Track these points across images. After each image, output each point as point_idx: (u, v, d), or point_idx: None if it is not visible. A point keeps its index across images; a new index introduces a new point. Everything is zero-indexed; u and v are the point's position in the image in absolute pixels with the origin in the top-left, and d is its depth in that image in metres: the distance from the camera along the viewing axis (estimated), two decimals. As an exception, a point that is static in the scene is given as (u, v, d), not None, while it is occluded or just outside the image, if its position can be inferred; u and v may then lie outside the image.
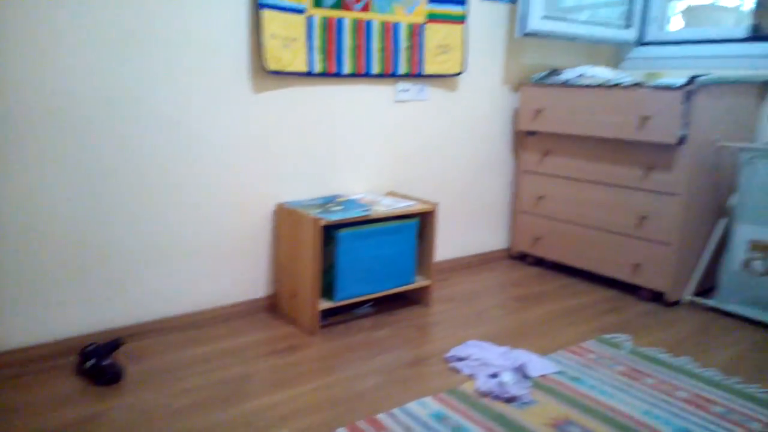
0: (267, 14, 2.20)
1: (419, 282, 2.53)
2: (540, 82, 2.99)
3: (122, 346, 2.08)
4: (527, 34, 2.87)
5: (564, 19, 3.00)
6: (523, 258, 3.26)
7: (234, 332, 2.26)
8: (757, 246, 2.46)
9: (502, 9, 2.97)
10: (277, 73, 2.28)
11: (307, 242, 2.21)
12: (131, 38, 1.99)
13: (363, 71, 2.52)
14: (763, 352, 2.21)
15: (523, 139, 3.14)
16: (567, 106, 2.86)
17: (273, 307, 2.49)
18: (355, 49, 2.47)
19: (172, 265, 2.22)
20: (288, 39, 2.27)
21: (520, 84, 3.09)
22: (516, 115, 3.14)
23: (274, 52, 2.24)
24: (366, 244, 2.30)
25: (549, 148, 3.02)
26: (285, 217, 2.35)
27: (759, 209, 2.45)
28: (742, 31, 2.95)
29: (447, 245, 3.06)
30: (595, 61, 3.38)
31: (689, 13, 3.30)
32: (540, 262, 3.20)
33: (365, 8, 2.46)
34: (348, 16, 2.41)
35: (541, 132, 3.03)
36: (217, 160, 2.25)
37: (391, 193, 2.71)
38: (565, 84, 2.88)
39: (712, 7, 3.26)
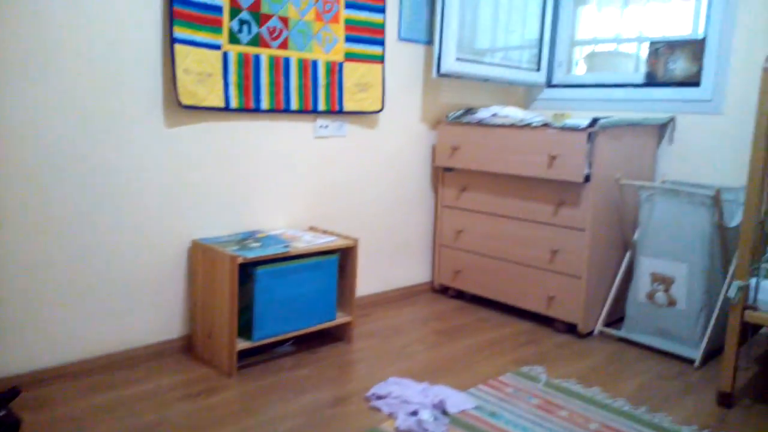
0: (180, 49, 2.16)
1: (340, 318, 2.51)
2: (456, 121, 3.09)
3: (20, 395, 1.92)
4: (442, 75, 2.97)
5: (477, 61, 3.13)
6: (445, 291, 3.31)
7: (146, 376, 2.15)
8: (657, 278, 2.62)
9: (419, 50, 3.07)
10: (192, 108, 2.24)
11: (224, 280, 2.15)
12: (32, 65, 1.90)
13: (282, 107, 2.51)
14: (667, 380, 2.34)
15: (441, 175, 3.22)
16: (481, 143, 2.96)
17: (188, 348, 2.38)
18: (274, 85, 2.46)
19: (76, 306, 2.09)
20: (203, 74, 2.23)
21: (437, 122, 3.18)
22: (434, 152, 3.22)
23: (188, 86, 2.20)
24: (285, 282, 2.26)
25: (466, 184, 3.11)
26: (200, 255, 2.28)
27: (658, 243, 2.62)
28: (639, 77, 3.18)
29: (370, 280, 3.06)
30: (508, 101, 3.54)
31: (592, 58, 3.53)
32: (461, 295, 3.25)
33: (283, 45, 2.47)
34: (265, 53, 2.41)
35: (458, 168, 3.12)
36: (127, 196, 2.16)
37: (313, 228, 2.69)
38: (480, 123, 2.99)
39: (613, 54, 3.50)
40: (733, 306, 2.13)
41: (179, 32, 2.16)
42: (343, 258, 2.54)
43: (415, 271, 3.28)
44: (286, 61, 2.49)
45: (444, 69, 2.96)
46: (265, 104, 2.45)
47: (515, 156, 2.84)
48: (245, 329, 2.25)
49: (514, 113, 3.05)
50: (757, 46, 2.71)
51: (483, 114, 3.06)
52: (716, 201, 2.44)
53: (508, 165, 2.87)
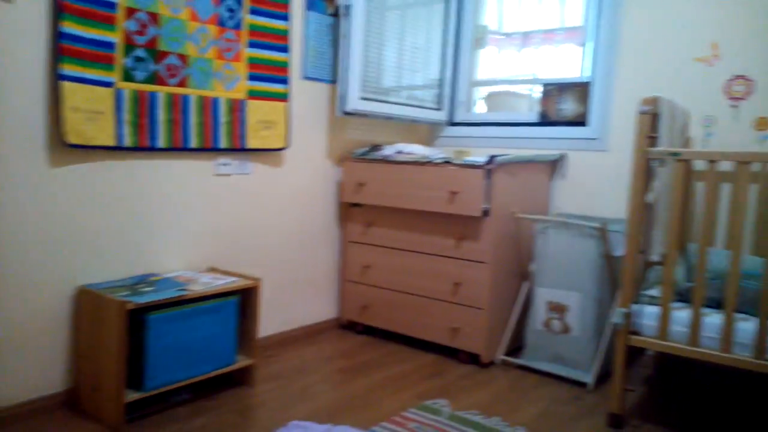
0: (68, 86, 2.08)
1: (241, 362, 2.44)
2: (361, 157, 3.13)
3: None
4: (346, 113, 3.01)
5: (382, 100, 3.21)
6: (352, 327, 3.30)
7: (23, 436, 1.99)
8: (553, 306, 2.73)
9: (324, 88, 3.11)
10: (80, 147, 2.14)
11: (111, 328, 2.03)
12: None
13: (180, 145, 2.46)
14: (563, 405, 2.42)
15: (348, 210, 3.24)
16: (386, 180, 3.02)
17: (72, 402, 2.22)
18: (171, 122, 2.41)
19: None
20: (93, 112, 2.15)
21: (343, 158, 3.22)
22: (340, 188, 3.24)
23: (76, 125, 2.11)
24: (180, 327, 2.18)
25: (372, 220, 3.14)
26: (87, 301, 2.15)
27: (553, 273, 2.74)
28: (534, 116, 3.36)
29: (275, 319, 3.00)
30: (413, 138, 3.63)
31: (491, 98, 3.71)
32: (368, 330, 3.25)
33: (182, 83, 2.43)
34: (162, 91, 2.36)
35: (364, 204, 3.15)
36: (6, 241, 2.02)
37: (213, 269, 2.62)
38: (384, 159, 3.05)
39: (509, 94, 3.69)
40: (618, 331, 2.25)
41: (66, 69, 2.08)
42: (245, 299, 2.48)
43: (322, 307, 3.25)
44: (185, 99, 2.45)
45: (348, 107, 3.00)
46: (161, 142, 2.39)
47: (419, 192, 2.91)
48: (137, 379, 2.14)
49: (418, 150, 3.14)
50: (635, 89, 2.94)
51: (388, 151, 3.12)
52: (602, 232, 2.60)
53: (413, 201, 2.93)
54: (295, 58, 2.94)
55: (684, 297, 2.37)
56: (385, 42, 3.27)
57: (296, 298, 3.10)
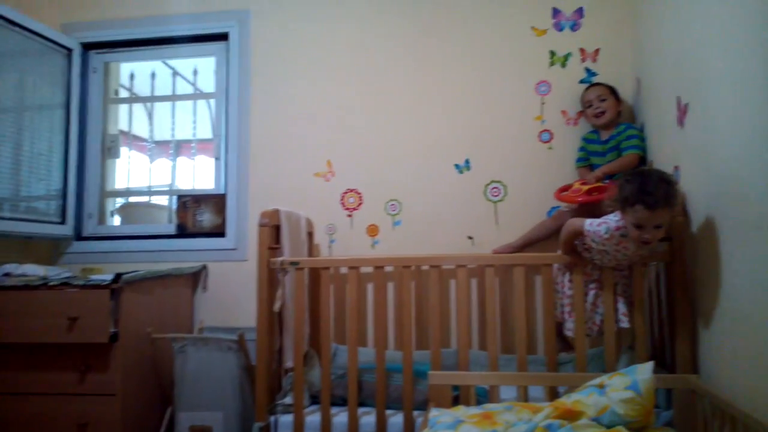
0: None
1: None
2: (-50, 285, 2.53)
3: None
4: None
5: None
6: None
7: None
8: (195, 431, 2.54)
9: None
10: None
11: None
12: None
13: None
14: None
15: (-70, 355, 2.55)
16: (-13, 310, 2.48)
17: None
18: None
19: None
20: None
21: None
22: None
23: None
24: None
25: (-33, 362, 2.52)
26: None
27: (195, 395, 2.56)
28: (172, 228, 3.24)
29: None
30: (30, 257, 3.11)
31: (126, 209, 3.47)
32: (-34, 508, 2.52)
33: None
34: None
35: (-46, 344, 2.52)
36: None
37: None
38: (-16, 286, 2.52)
39: (148, 205, 3.52)
40: (258, 449, 2.18)
41: None
42: None
43: None
44: None
45: (-74, 225, 2.43)
46: None
47: (30, 322, 2.46)
48: None
49: (33, 271, 2.72)
50: (267, 201, 3.06)
51: (-9, 274, 2.61)
52: (240, 344, 2.56)
53: (21, 333, 2.45)
54: None
55: (318, 399, 2.45)
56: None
57: None
